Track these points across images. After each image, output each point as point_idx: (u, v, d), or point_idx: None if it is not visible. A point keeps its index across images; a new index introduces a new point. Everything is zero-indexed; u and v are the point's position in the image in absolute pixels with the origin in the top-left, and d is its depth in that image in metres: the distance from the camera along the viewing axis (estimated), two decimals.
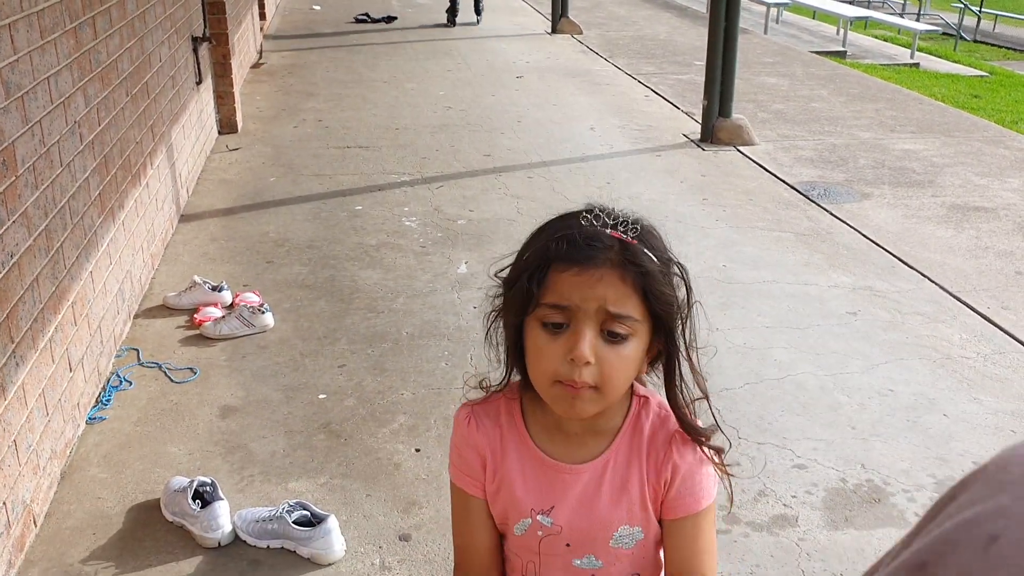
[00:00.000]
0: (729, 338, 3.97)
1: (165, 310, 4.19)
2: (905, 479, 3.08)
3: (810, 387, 3.63)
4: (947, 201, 5.71)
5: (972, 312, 4.25)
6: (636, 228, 1.23)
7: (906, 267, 4.74)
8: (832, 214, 5.45)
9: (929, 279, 4.60)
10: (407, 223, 5.29)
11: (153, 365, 3.72)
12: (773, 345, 3.93)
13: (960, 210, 5.56)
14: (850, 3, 21.19)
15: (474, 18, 12.26)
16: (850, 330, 4.08)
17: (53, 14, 3.26)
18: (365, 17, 12.44)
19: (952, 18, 20.48)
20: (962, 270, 4.71)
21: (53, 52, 3.24)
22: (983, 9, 21.10)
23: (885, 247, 4.97)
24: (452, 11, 12.10)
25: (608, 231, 1.21)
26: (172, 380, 3.61)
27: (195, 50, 5.98)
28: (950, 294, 4.43)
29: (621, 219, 1.23)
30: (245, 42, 8.55)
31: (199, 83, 6.10)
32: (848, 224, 5.30)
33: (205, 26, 6.35)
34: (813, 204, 5.63)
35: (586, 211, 1.24)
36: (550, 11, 12.13)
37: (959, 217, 5.44)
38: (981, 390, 3.61)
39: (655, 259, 1.22)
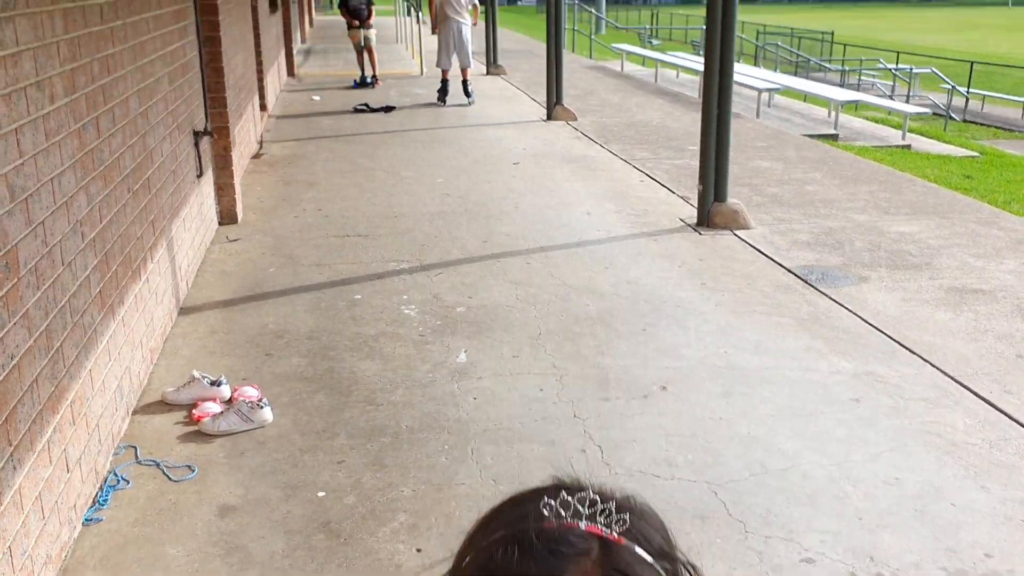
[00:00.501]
0: (733, 427, 3.95)
1: (164, 406, 4.16)
2: (915, 572, 3.02)
3: (816, 476, 3.59)
4: (944, 283, 5.74)
5: (975, 397, 4.23)
6: (623, 519, 0.81)
7: (906, 351, 4.73)
8: (831, 298, 5.46)
9: (930, 363, 4.59)
10: (406, 311, 5.30)
11: (151, 463, 3.68)
12: (777, 434, 3.90)
13: (958, 292, 5.58)
14: (840, 86, 21.61)
15: (464, 99, 13.01)
16: (853, 417, 4.06)
17: (59, 117, 3.31)
18: (364, 107, 12.67)
19: (941, 98, 20.88)
20: (963, 354, 4.70)
21: (57, 154, 3.28)
22: (971, 90, 21.53)
23: (885, 331, 4.98)
24: (443, 91, 13.00)
25: (582, 524, 0.80)
26: (170, 478, 3.57)
27: (196, 144, 6.06)
28: (952, 378, 4.42)
29: (601, 505, 0.81)
30: (246, 133, 8.69)
31: (200, 176, 6.18)
32: (847, 308, 5.31)
33: (207, 120, 6.46)
34: (811, 288, 5.65)
35: (550, 493, 0.82)
36: (544, 98, 12.36)
37: (957, 300, 5.46)
38: (988, 478, 3.57)
39: (654, 564, 0.80)
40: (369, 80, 14.82)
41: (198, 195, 6.12)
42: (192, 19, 6.12)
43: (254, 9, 10.38)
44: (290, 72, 16.30)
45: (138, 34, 4.57)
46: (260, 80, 10.76)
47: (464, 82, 13.09)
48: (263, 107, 11.08)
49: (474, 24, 14.16)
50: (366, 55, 14.84)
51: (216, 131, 6.71)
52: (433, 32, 13.59)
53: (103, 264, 3.77)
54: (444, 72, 13.11)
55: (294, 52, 16.91)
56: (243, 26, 8.96)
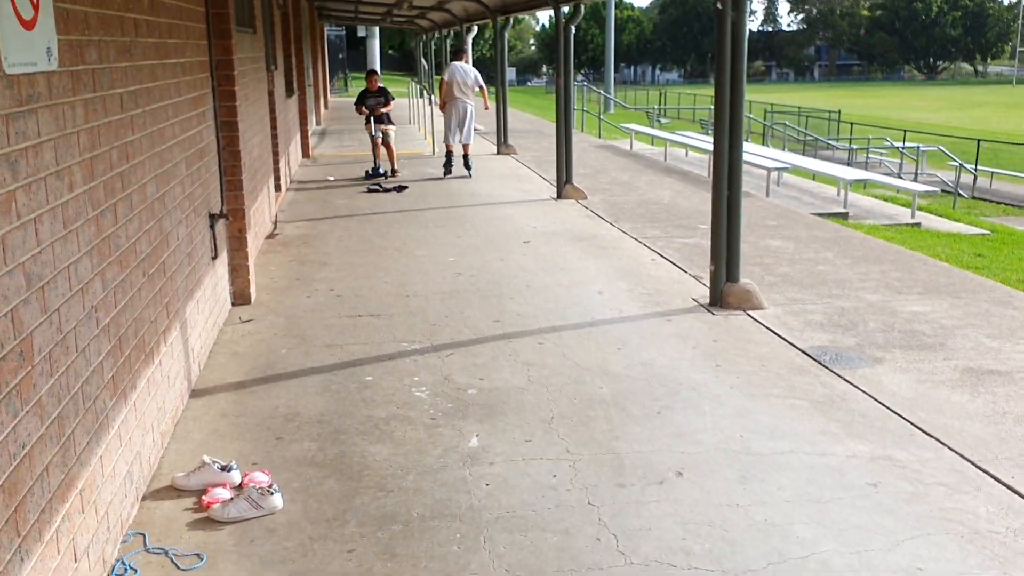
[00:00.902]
0: (750, 514, 3.87)
1: (173, 491, 4.12)
2: None
3: (835, 566, 3.51)
4: (960, 364, 5.69)
5: (996, 482, 4.16)
6: None
7: (924, 435, 4.67)
8: (846, 380, 5.42)
9: (948, 447, 4.52)
10: (417, 393, 5.27)
11: (159, 551, 3.62)
12: (795, 521, 3.83)
13: (974, 374, 5.52)
14: (848, 165, 21.80)
15: (465, 172, 13.97)
16: (872, 503, 3.98)
17: (77, 204, 3.35)
18: (377, 187, 12.84)
19: (949, 176, 21.02)
20: (982, 438, 4.63)
21: (75, 241, 3.31)
22: (978, 167, 21.68)
23: (901, 414, 4.92)
24: (448, 165, 13.94)
25: None
26: (178, 567, 3.51)
27: (212, 226, 6.12)
28: (972, 463, 4.35)
29: None
30: (261, 214, 8.78)
31: (214, 258, 6.22)
32: (862, 390, 5.26)
33: (223, 202, 6.53)
34: (826, 370, 5.61)
35: None
36: (554, 177, 12.51)
37: (973, 381, 5.41)
38: (1015, 568, 3.48)
39: None
40: (383, 172, 13.94)
41: (212, 277, 6.16)
42: (211, 104, 6.24)
43: (271, 94, 10.60)
44: (305, 154, 16.55)
45: (157, 121, 4.66)
46: (276, 162, 10.92)
47: (465, 156, 14.01)
48: (278, 188, 11.22)
49: (486, 108, 14.86)
50: (383, 148, 14.08)
51: (232, 213, 6.78)
52: (441, 110, 14.21)
53: (116, 349, 3.77)
54: (449, 147, 14.03)
55: (309, 134, 17.19)
56: (260, 110, 9.13)
